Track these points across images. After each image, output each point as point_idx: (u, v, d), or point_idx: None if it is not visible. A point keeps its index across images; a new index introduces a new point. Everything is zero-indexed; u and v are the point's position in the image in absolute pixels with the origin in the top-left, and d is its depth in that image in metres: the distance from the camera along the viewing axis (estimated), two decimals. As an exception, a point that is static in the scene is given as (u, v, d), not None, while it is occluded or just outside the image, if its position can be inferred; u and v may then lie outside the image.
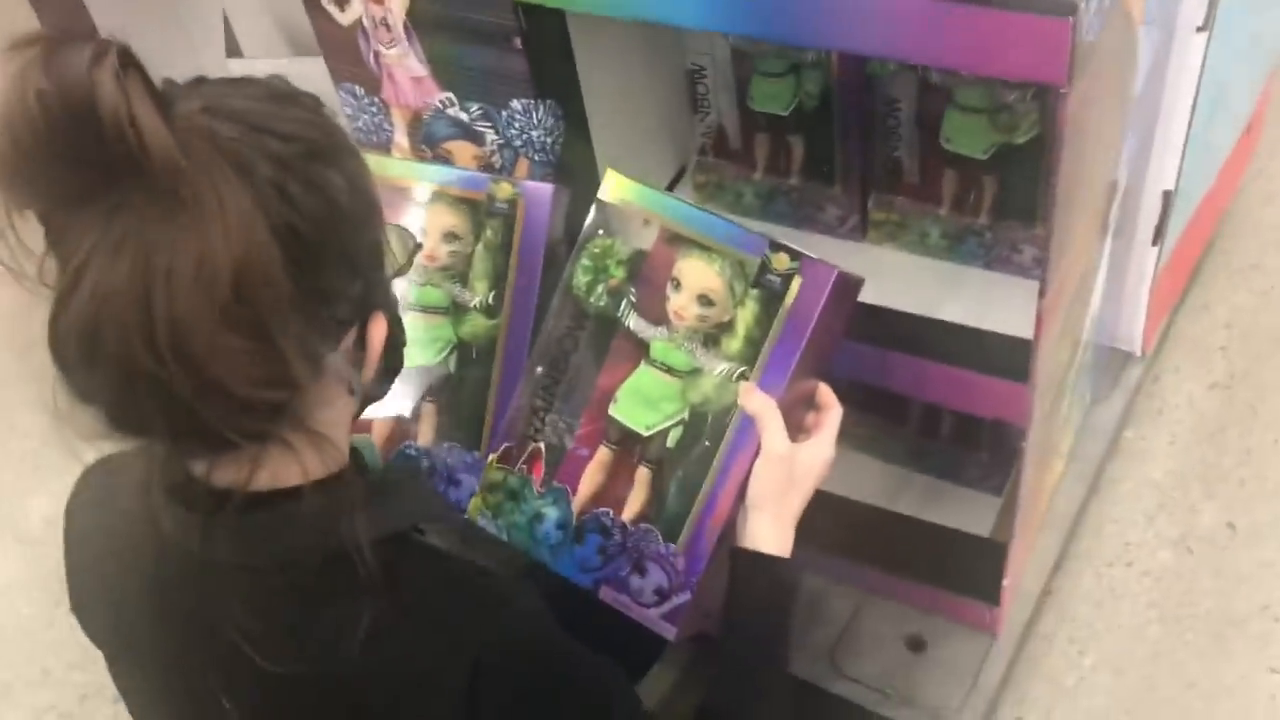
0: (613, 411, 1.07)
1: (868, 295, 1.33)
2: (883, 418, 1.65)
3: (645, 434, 1.06)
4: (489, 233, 1.18)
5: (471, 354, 1.20)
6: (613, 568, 1.05)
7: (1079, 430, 1.77)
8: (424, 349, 1.18)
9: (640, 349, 1.06)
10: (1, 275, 0.70)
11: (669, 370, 1.05)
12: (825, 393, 1.07)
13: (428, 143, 1.37)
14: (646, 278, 1.06)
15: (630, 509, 1.06)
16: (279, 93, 0.75)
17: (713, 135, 1.48)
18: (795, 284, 0.99)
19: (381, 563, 0.77)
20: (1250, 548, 1.72)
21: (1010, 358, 1.23)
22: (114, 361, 0.66)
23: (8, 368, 2.31)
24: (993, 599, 1.49)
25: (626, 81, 1.39)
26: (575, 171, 1.33)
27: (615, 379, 1.07)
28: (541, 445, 1.10)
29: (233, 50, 1.64)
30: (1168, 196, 1.63)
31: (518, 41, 1.19)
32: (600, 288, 1.08)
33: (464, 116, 1.31)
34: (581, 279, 1.09)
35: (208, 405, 0.68)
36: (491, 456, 1.12)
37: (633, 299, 1.07)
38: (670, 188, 1.56)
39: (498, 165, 1.34)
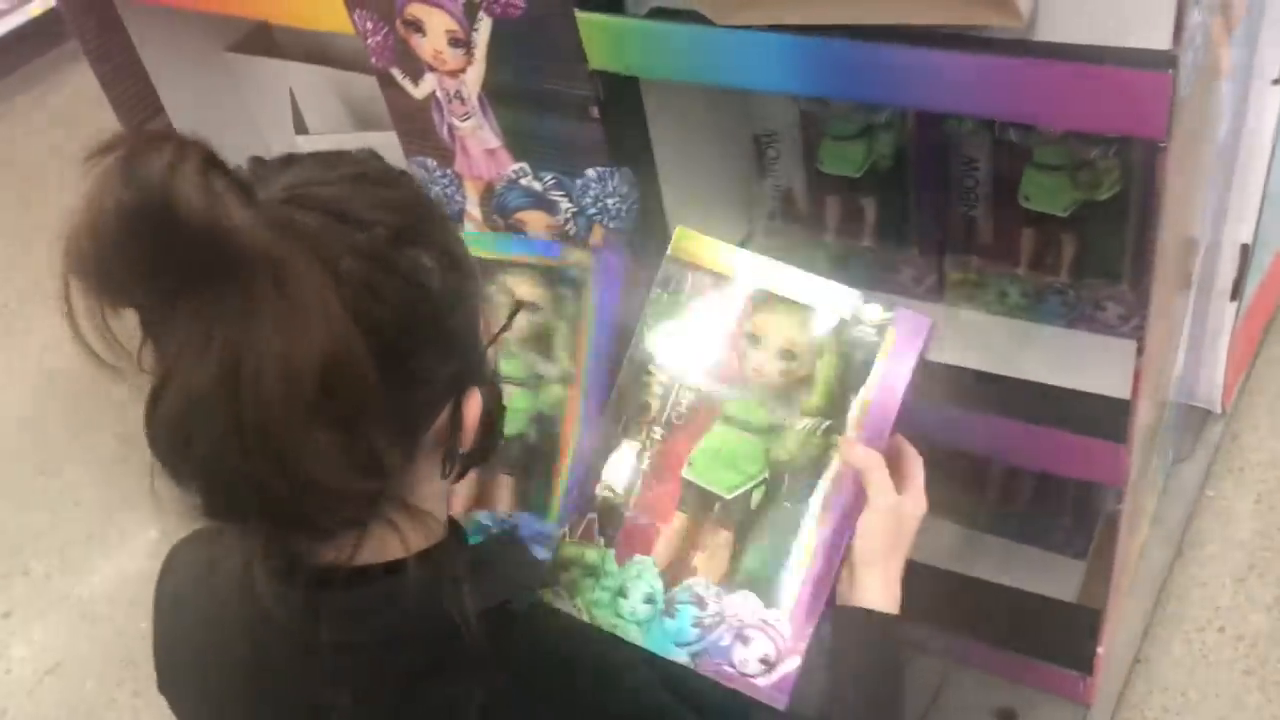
0: (687, 475, 1.04)
1: (947, 356, 1.33)
2: (962, 481, 1.62)
3: (728, 496, 1.03)
4: (565, 301, 1.16)
5: (551, 424, 1.18)
6: (712, 639, 1.01)
7: (1162, 491, 1.73)
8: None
9: (712, 409, 1.03)
10: (59, 352, 0.70)
11: (748, 429, 1.02)
12: (903, 443, 1.03)
13: (500, 213, 1.37)
14: (715, 336, 1.04)
15: (712, 576, 1.03)
16: (367, 172, 0.74)
17: (780, 199, 1.48)
18: (890, 335, 0.98)
19: (488, 634, 0.76)
20: (1345, 610, 1.67)
21: (1099, 417, 1.20)
22: (206, 458, 0.66)
23: (69, 446, 2.32)
24: (1086, 668, 1.45)
25: (697, 147, 1.39)
26: (648, 236, 1.33)
27: (687, 442, 1.04)
28: (620, 513, 1.06)
29: (299, 127, 1.66)
30: (1245, 250, 1.60)
31: (595, 111, 1.19)
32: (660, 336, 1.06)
33: (537, 186, 1.31)
34: (649, 336, 1.06)
35: (302, 498, 0.68)
36: (562, 531, 1.07)
37: (706, 365, 1.04)
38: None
39: (572, 233, 1.33)
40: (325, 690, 0.76)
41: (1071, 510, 1.56)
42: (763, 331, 1.02)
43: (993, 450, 1.34)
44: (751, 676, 0.99)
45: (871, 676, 0.95)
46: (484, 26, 1.18)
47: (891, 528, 0.96)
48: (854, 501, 0.98)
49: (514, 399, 1.15)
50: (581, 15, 1.12)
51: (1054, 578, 1.57)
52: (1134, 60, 0.89)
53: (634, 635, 1.04)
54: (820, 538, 0.99)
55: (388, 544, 0.77)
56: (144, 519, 2.19)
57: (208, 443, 0.65)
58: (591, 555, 1.05)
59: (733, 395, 1.03)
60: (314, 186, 0.70)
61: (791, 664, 0.98)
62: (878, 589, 0.95)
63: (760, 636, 1.00)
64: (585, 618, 1.04)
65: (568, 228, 1.33)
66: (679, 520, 1.04)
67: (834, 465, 1.00)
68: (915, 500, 0.99)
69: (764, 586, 1.01)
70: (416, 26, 1.23)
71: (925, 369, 1.03)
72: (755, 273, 1.04)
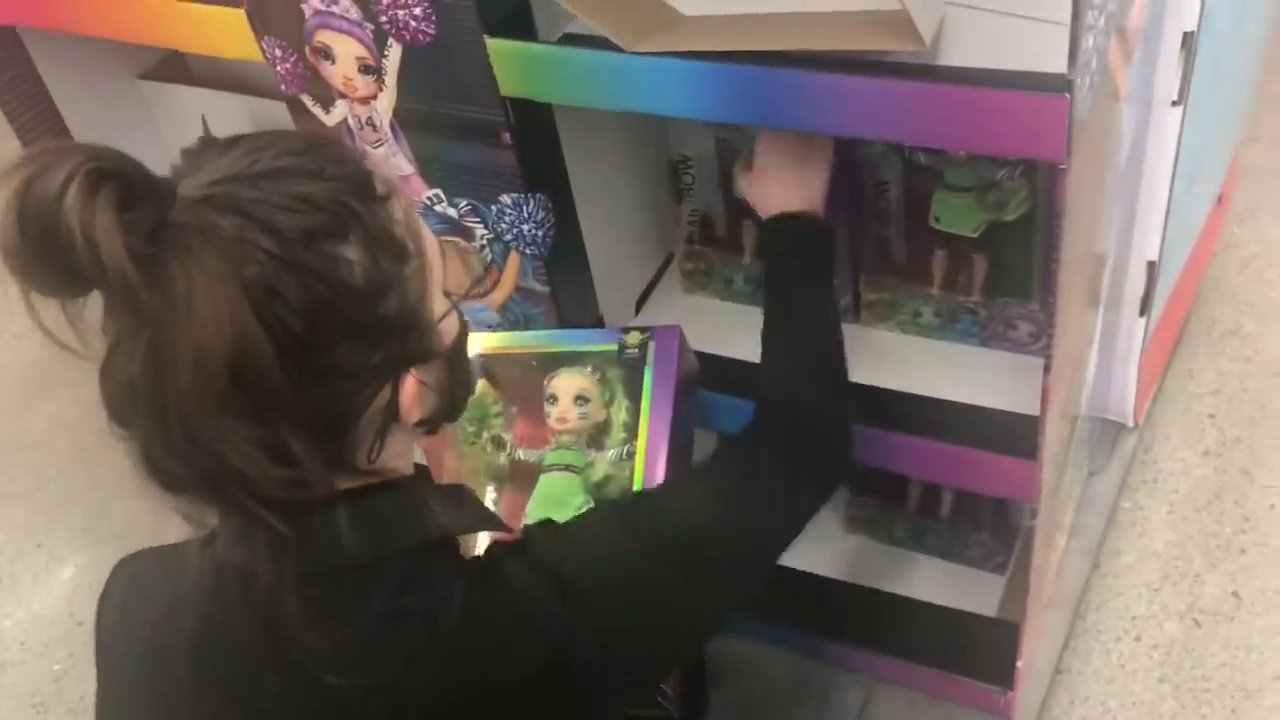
0: (525, 524, 1.10)
1: (862, 376, 1.34)
2: (882, 499, 1.64)
3: None
4: (618, 384, 1.18)
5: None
6: None
7: (1078, 504, 1.75)
8: (559, 509, 1.14)
9: (534, 469, 1.15)
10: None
11: (567, 468, 1.13)
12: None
13: (415, 240, 1.36)
14: (522, 414, 1.16)
15: None
16: (292, 166, 0.74)
17: (698, 224, 1.48)
18: (651, 348, 1.14)
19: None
20: (1257, 616, 1.70)
21: (1013, 434, 1.22)
22: (143, 433, 0.72)
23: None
24: (1006, 682, 1.46)
25: (613, 173, 1.40)
26: (566, 263, 1.33)
27: (520, 502, 1.14)
28: None
29: (212, 155, 1.63)
30: (1152, 267, 1.64)
31: (507, 136, 1.19)
32: (485, 436, 1.16)
33: (453, 212, 1.30)
34: (465, 429, 1.16)
35: (229, 481, 0.72)
36: None
37: (514, 438, 1.16)
38: (658, 275, 1.56)
39: (488, 259, 1.32)
40: (295, 637, 0.76)
41: (990, 526, 1.59)
42: (556, 390, 1.16)
43: (909, 468, 1.36)
44: None
45: (791, 252, 1.16)
46: (394, 53, 1.18)
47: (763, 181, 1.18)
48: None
49: (570, 485, 1.16)
50: (491, 42, 1.12)
51: (976, 593, 1.59)
52: (1032, 85, 0.91)
53: None
54: None
55: (351, 483, 0.80)
56: (57, 558, 2.13)
57: (142, 420, 0.71)
58: None
59: (548, 451, 1.15)
60: (233, 184, 0.72)
61: None
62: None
63: None
64: None
65: (484, 254, 1.32)
66: None
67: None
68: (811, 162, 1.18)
69: None
70: (326, 54, 1.22)
71: (690, 367, 1.20)
72: (542, 341, 1.19)
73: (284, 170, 0.74)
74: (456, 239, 1.33)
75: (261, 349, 0.69)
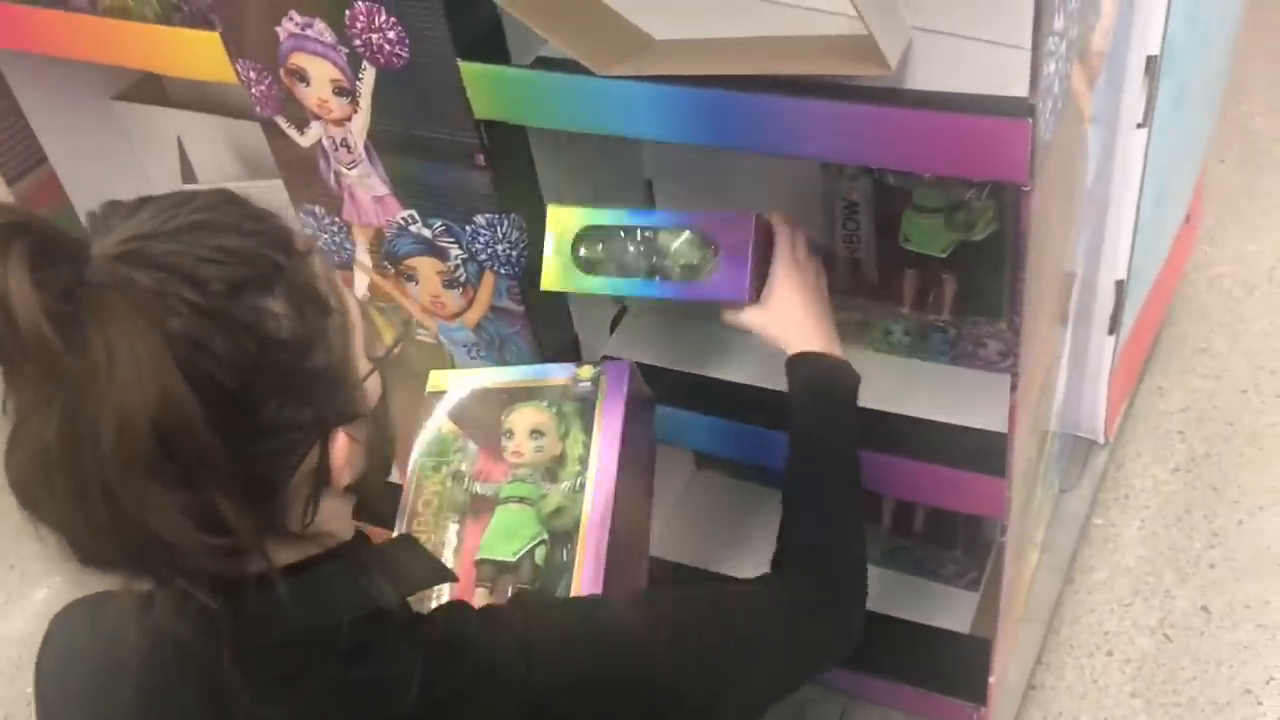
0: (478, 556, 1.12)
1: (838, 395, 1.35)
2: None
3: (514, 559, 1.14)
4: (574, 418, 1.17)
5: (558, 537, 1.15)
6: None
7: (1049, 521, 1.77)
8: (511, 541, 1.14)
9: (490, 502, 1.15)
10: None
11: (521, 500, 1.14)
12: (778, 223, 1.19)
13: (390, 260, 1.36)
14: (483, 450, 1.17)
15: None
16: (211, 220, 0.72)
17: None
18: (603, 381, 1.15)
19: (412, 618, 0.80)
20: (1226, 630, 1.72)
21: (983, 452, 1.24)
22: (61, 510, 0.68)
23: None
24: (979, 698, 1.47)
25: (587, 193, 1.40)
26: (540, 283, 1.33)
27: (476, 536, 1.14)
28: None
29: (188, 176, 1.64)
30: (1120, 286, 1.66)
31: (481, 158, 1.20)
32: (444, 471, 1.17)
33: (427, 233, 1.31)
34: (426, 466, 1.18)
35: (155, 552, 0.68)
36: None
37: (473, 472, 1.17)
38: (633, 296, 1.57)
39: (462, 279, 1.33)
40: (248, 711, 0.75)
41: (963, 543, 1.60)
42: (513, 425, 1.17)
43: (880, 485, 1.37)
44: None
45: (817, 391, 1.14)
46: (368, 76, 1.19)
47: (771, 327, 1.15)
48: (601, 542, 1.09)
49: (522, 515, 1.15)
50: (465, 65, 1.13)
51: (949, 610, 1.60)
52: (995, 108, 0.93)
53: None
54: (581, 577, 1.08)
55: (289, 555, 0.77)
56: (30, 579, 2.12)
57: (60, 495, 0.66)
58: None
59: (504, 484, 1.15)
60: (149, 240, 0.69)
61: None
62: (803, 344, 1.13)
63: None
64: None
65: (458, 274, 1.33)
66: (480, 594, 1.14)
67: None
68: (783, 282, 1.16)
69: None
70: (300, 76, 1.23)
71: (641, 396, 1.20)
72: (501, 376, 1.20)
73: (201, 224, 0.71)
74: (433, 259, 1.34)
75: (189, 407, 0.65)
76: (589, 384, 1.14)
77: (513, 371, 1.21)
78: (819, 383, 1.14)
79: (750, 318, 1.17)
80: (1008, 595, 1.38)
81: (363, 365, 0.80)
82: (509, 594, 1.14)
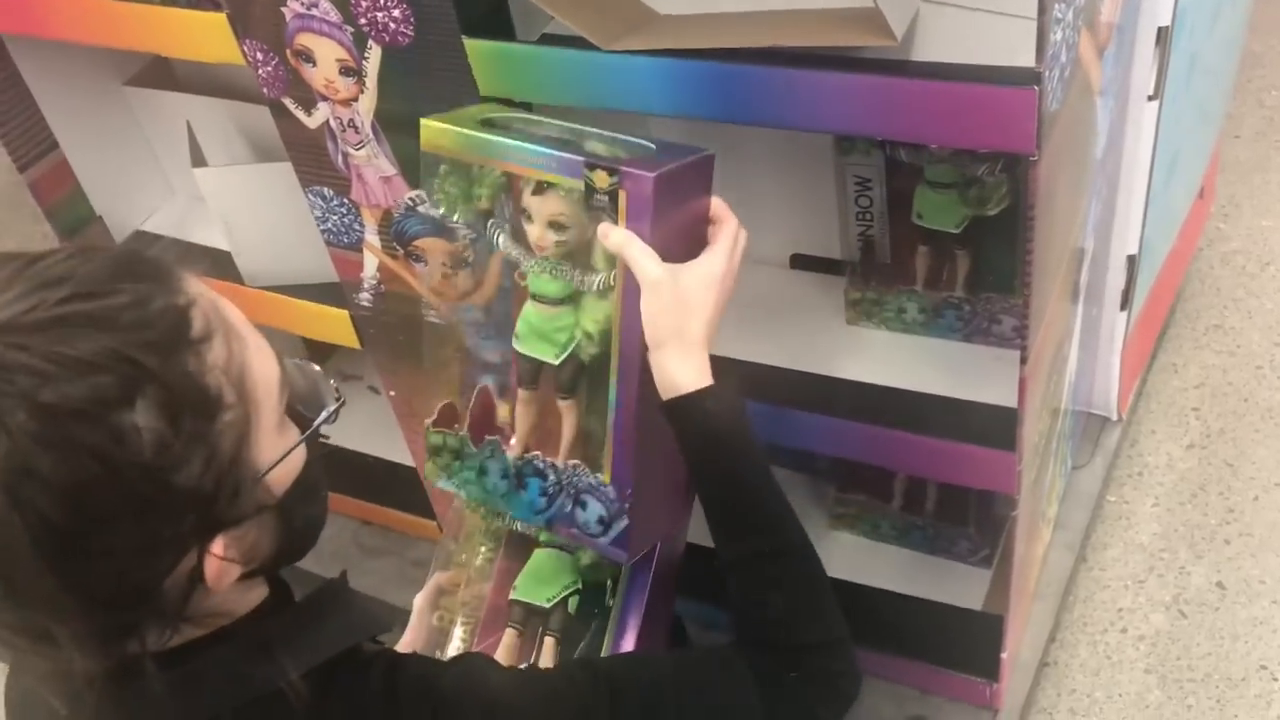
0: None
1: (850, 372, 1.35)
2: (868, 494, 1.64)
3: (547, 605, 1.15)
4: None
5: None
6: (557, 506, 1.06)
7: (1062, 497, 1.76)
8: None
9: (530, 542, 1.13)
10: None
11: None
12: (719, 207, 0.99)
13: (399, 240, 1.37)
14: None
15: (563, 443, 1.06)
16: (75, 314, 0.63)
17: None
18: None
19: (315, 695, 0.73)
20: (1242, 607, 1.71)
21: (995, 428, 1.23)
22: None
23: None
24: (991, 674, 1.47)
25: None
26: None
27: (513, 571, 1.13)
28: (490, 386, 1.10)
29: (198, 159, 1.64)
30: (1132, 261, 1.65)
31: (489, 132, 1.20)
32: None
33: (435, 213, 1.30)
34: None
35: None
36: (428, 422, 1.12)
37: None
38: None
39: (470, 259, 1.33)
40: None
41: (975, 520, 1.59)
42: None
43: (891, 462, 1.37)
44: (594, 536, 1.04)
45: (707, 461, 0.93)
46: (374, 55, 1.18)
47: (669, 299, 0.91)
48: (636, 298, 0.94)
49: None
50: (470, 42, 1.12)
51: (961, 587, 1.60)
52: (1001, 78, 0.92)
53: (501, 506, 1.12)
54: (620, 400, 0.99)
55: (190, 631, 0.73)
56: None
57: None
58: (452, 441, 1.13)
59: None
60: (3, 335, 0.62)
61: (622, 523, 1.03)
62: (678, 366, 0.92)
63: (593, 501, 1.04)
64: (464, 496, 1.14)
65: (466, 254, 1.33)
66: (509, 635, 1.14)
67: (615, 314, 0.98)
68: (706, 263, 0.95)
69: (594, 452, 1.04)
70: (306, 56, 1.23)
71: (700, 193, 0.99)
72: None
73: (64, 320, 0.63)
74: (441, 240, 1.34)
75: (15, 537, 0.60)
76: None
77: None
78: (729, 440, 0.94)
79: (654, 271, 0.91)
80: (1019, 572, 1.38)
81: (270, 447, 0.72)
82: (538, 639, 1.15)
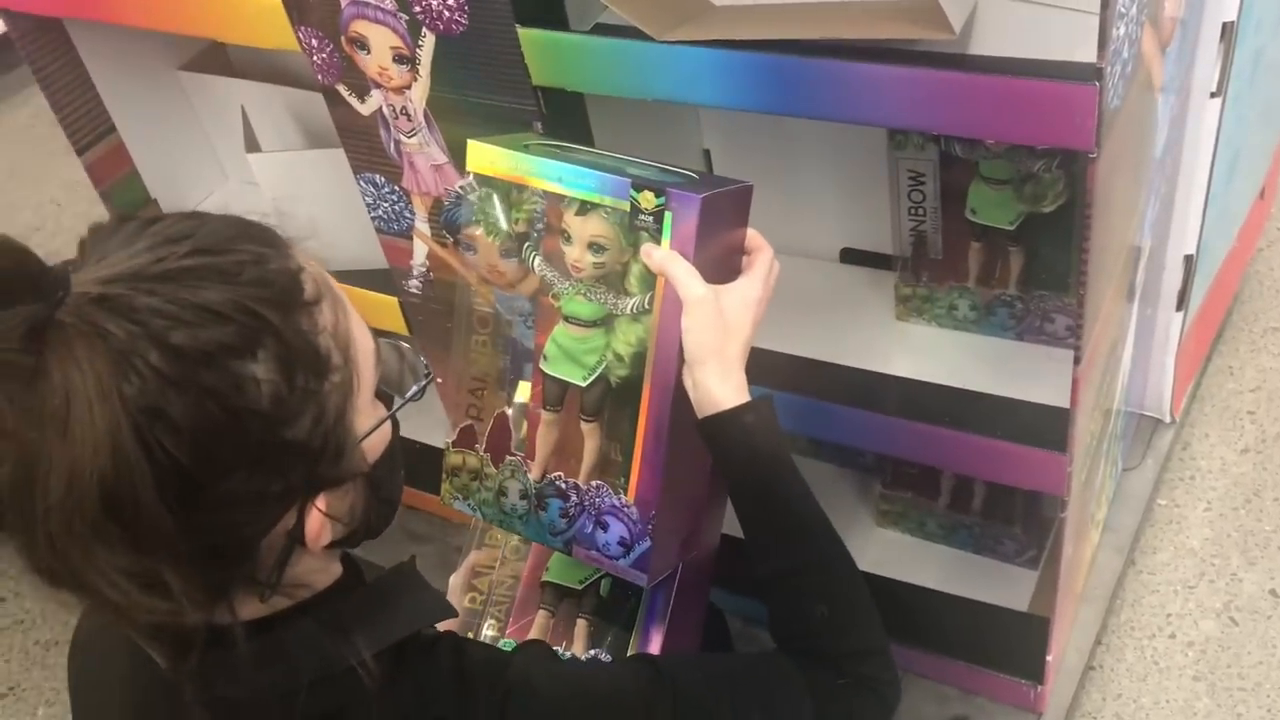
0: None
1: (899, 369, 1.34)
2: (915, 492, 1.63)
3: (579, 587, 1.14)
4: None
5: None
6: (578, 527, 1.05)
7: (1112, 499, 1.74)
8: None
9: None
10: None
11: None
12: (754, 236, 1.01)
13: (449, 228, 1.37)
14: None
15: (585, 464, 1.05)
16: (201, 266, 0.66)
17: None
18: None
19: (386, 675, 0.75)
20: (1295, 615, 1.68)
21: (1046, 427, 1.22)
22: (17, 542, 0.65)
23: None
24: (1036, 676, 1.46)
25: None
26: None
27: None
28: (507, 411, 1.09)
29: (251, 145, 1.65)
30: (1189, 261, 1.62)
31: (538, 125, 1.20)
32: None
33: (475, 232, 1.31)
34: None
35: (103, 605, 0.66)
36: (449, 439, 1.12)
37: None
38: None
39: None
40: None
41: (1022, 520, 1.58)
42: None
43: (939, 460, 1.35)
44: (614, 559, 1.03)
45: (750, 472, 0.95)
46: (428, 43, 1.19)
47: (712, 317, 0.93)
48: (669, 376, 0.97)
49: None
50: (524, 31, 1.12)
51: (1007, 587, 1.58)
52: (1062, 73, 0.91)
53: (518, 529, 1.11)
54: (644, 414, 1.00)
55: (257, 609, 0.74)
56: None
57: (11, 531, 0.64)
58: (472, 460, 1.12)
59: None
60: (130, 284, 0.63)
61: (644, 545, 1.02)
62: (716, 383, 0.93)
63: (615, 522, 1.03)
64: (479, 517, 1.13)
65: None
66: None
67: (651, 336, 0.99)
68: (745, 286, 0.97)
69: (615, 474, 1.03)
70: (361, 43, 1.23)
71: (739, 223, 1.01)
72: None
73: (191, 271, 0.65)
74: (489, 228, 1.34)
75: (139, 476, 0.61)
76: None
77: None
78: (769, 455, 0.95)
79: (699, 290, 0.93)
80: (1067, 573, 1.36)
81: (366, 417, 0.75)
82: (575, 622, 1.15)
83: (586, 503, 1.05)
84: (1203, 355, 1.99)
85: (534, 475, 1.08)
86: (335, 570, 0.81)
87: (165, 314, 0.63)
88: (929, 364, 1.35)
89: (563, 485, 1.06)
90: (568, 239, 1.02)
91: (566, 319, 1.04)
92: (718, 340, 0.94)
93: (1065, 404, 1.16)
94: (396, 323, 1.58)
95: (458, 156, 1.29)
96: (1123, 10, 0.89)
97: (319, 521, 0.71)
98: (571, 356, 1.04)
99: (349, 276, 1.62)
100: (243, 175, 1.89)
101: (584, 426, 1.04)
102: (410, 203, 1.38)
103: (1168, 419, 1.85)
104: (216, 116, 1.85)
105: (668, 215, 0.95)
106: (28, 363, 0.60)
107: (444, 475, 1.13)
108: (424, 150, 1.30)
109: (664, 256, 0.95)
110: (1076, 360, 1.10)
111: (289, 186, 1.60)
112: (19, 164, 3.19)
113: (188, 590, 0.65)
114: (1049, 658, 1.42)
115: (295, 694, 0.73)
